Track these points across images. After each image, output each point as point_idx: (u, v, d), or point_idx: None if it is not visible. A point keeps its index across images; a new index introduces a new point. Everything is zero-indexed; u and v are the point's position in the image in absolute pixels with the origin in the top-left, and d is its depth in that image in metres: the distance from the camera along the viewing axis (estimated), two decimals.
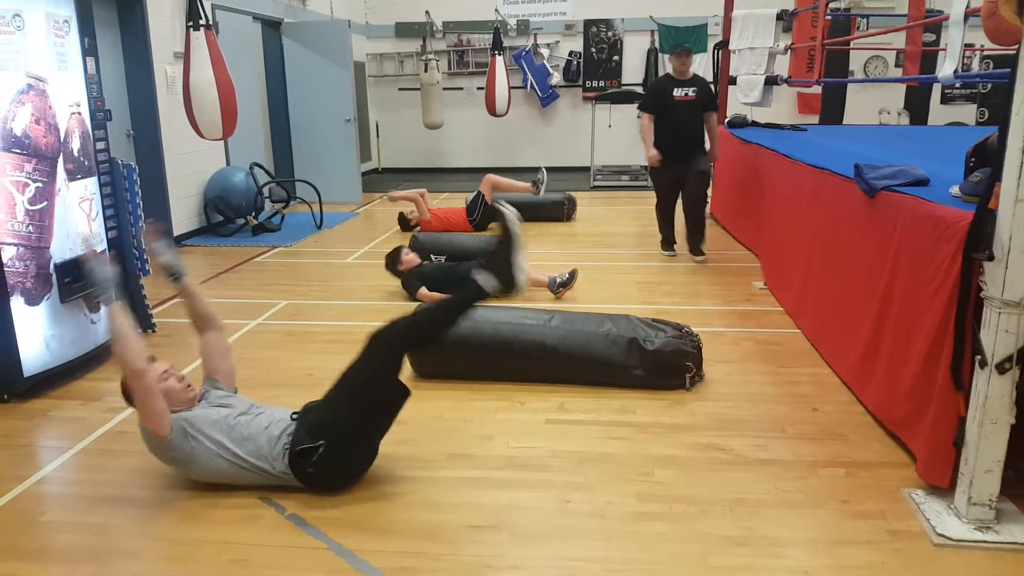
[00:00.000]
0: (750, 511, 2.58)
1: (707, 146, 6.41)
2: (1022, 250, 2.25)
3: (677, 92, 6.03)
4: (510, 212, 2.77)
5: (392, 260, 5.27)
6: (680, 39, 11.91)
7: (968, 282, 2.45)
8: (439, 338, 2.88)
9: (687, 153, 6.05)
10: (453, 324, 2.84)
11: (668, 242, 6.45)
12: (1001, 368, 2.32)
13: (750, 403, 3.45)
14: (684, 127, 6.06)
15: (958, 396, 2.50)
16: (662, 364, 3.55)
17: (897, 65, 11.34)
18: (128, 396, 2.69)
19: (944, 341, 2.59)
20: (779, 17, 7.49)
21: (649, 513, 2.58)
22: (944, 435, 2.56)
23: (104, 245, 4.08)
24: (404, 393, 2.73)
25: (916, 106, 10.62)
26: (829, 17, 7.26)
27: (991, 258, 2.32)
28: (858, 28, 10.21)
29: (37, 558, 2.40)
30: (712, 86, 6.27)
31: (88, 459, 3.06)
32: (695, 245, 6.21)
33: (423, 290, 5.03)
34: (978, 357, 2.37)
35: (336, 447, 2.62)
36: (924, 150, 5.29)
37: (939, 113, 11.43)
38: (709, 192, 6.38)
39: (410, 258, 5.28)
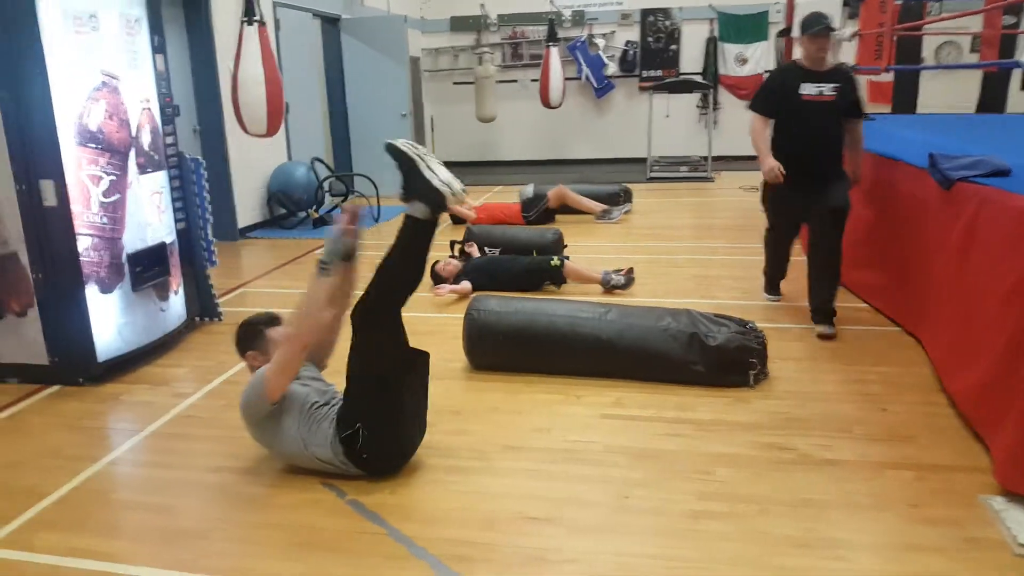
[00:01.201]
0: (813, 512, 2.51)
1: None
2: None
3: (808, 89, 4.19)
4: (397, 141, 2.60)
5: (432, 276, 5.23)
6: (741, 27, 11.68)
7: None
8: (412, 285, 2.66)
9: (818, 177, 4.20)
10: (419, 266, 2.67)
11: (773, 284, 4.87)
12: None
13: (816, 402, 3.35)
14: (816, 139, 4.21)
15: None
16: (725, 360, 3.48)
17: (972, 51, 10.88)
18: (246, 342, 2.76)
19: None
20: (845, 3, 7.25)
21: (709, 512, 2.54)
22: None
23: (174, 237, 4.20)
24: (421, 355, 2.71)
25: (993, 94, 10.18)
26: (899, 2, 7.00)
27: None
28: (929, 13, 9.84)
29: (108, 534, 2.51)
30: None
31: (157, 442, 3.18)
32: (820, 307, 4.22)
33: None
34: None
35: (373, 424, 2.61)
36: (1005, 140, 5.06)
37: (1019, 100, 10.93)
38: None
39: (450, 268, 5.27)
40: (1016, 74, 10.67)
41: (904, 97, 10.48)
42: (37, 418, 3.43)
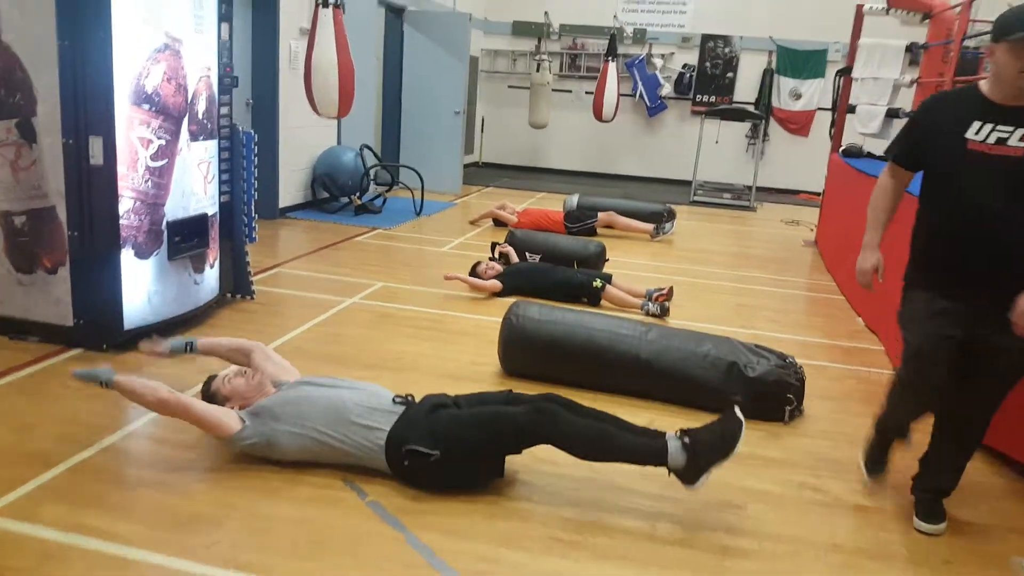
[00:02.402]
0: (845, 559, 2.43)
1: None
2: None
3: (982, 134, 2.44)
4: (740, 418, 2.53)
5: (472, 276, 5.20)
6: (799, 63, 11.60)
7: None
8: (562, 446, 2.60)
9: (996, 285, 2.45)
10: (611, 457, 2.61)
11: (880, 454, 2.94)
12: None
13: (850, 444, 3.24)
14: (992, 217, 2.44)
15: None
16: (762, 393, 3.39)
17: None
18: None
19: None
20: (908, 49, 7.16)
21: (739, 548, 2.45)
22: None
23: (216, 208, 4.18)
24: (516, 451, 2.69)
25: None
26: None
27: None
28: (985, 69, 9.67)
29: (118, 513, 2.42)
30: None
31: (176, 421, 3.05)
32: (936, 488, 2.75)
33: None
34: None
35: (449, 462, 2.57)
36: None
37: None
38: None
39: (492, 271, 5.20)
40: None
41: None
42: (55, 381, 3.35)
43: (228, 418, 2.65)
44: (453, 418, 2.66)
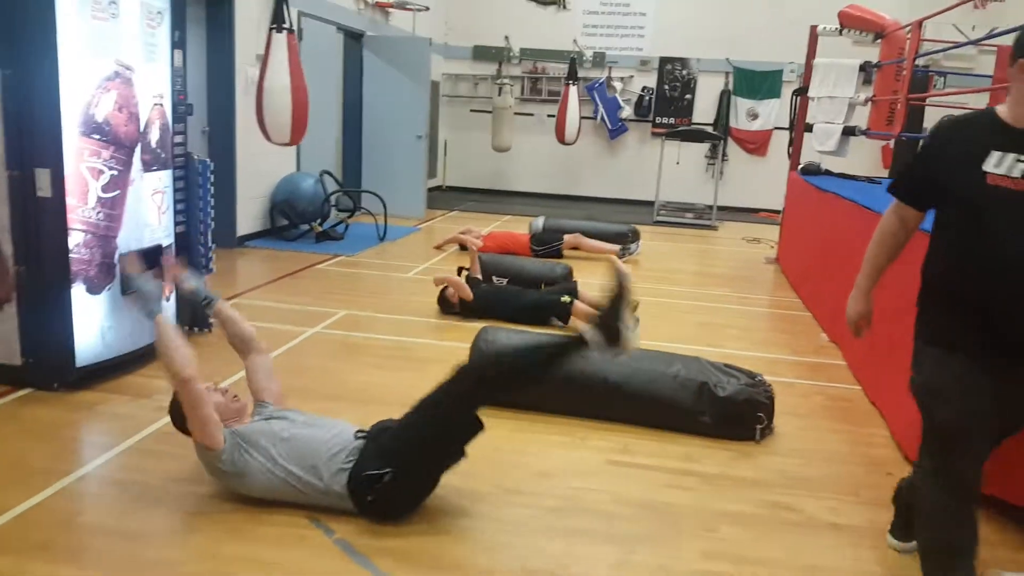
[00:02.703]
0: None
1: None
2: None
3: (1003, 166, 2.08)
4: (623, 269, 2.62)
5: (440, 302, 5.17)
6: (755, 84, 11.82)
7: None
8: (527, 387, 2.72)
9: None
10: (547, 374, 2.71)
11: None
12: None
13: (821, 461, 3.25)
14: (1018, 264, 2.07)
15: None
16: (732, 413, 3.36)
17: None
18: (179, 422, 2.62)
19: None
20: (861, 68, 7.31)
21: (714, 572, 2.41)
22: None
23: (171, 239, 4.07)
24: (478, 427, 2.61)
25: None
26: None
27: None
28: (935, 86, 9.96)
29: (72, 560, 2.31)
30: None
31: (132, 459, 2.97)
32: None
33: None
34: None
35: (404, 476, 2.50)
36: None
37: None
38: None
39: (458, 297, 5.15)
40: None
41: (904, 164, 10.52)
42: (1, 424, 3.19)
43: (220, 432, 2.53)
44: (392, 433, 2.60)
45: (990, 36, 5.25)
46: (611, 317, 2.51)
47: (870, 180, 7.15)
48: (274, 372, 2.94)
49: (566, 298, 5.02)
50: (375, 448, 2.54)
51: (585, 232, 7.78)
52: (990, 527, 2.70)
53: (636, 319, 2.57)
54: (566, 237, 7.42)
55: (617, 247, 7.56)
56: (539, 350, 2.75)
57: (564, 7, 12.10)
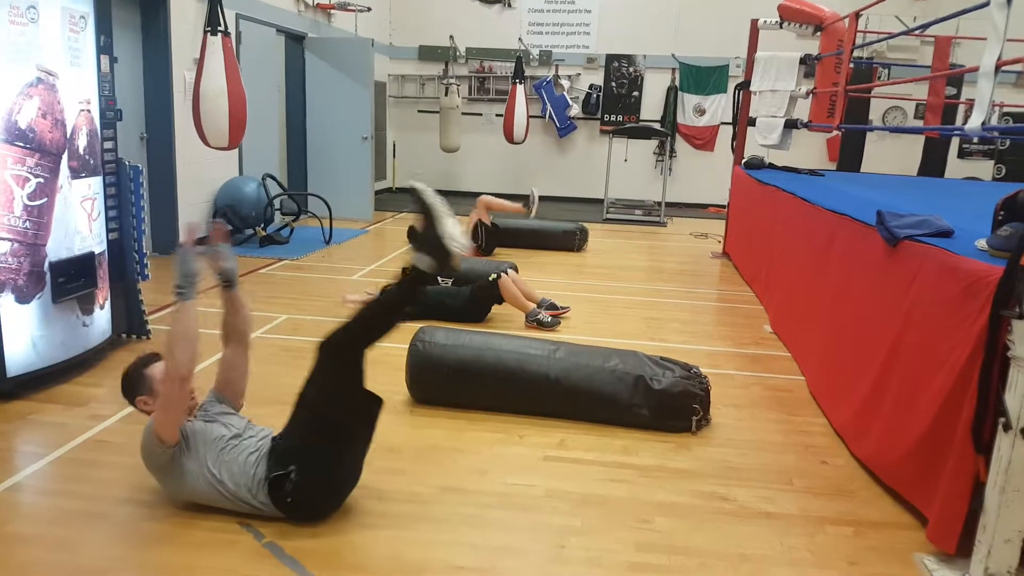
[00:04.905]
0: (753, 568, 2.45)
1: None
2: None
3: None
4: (421, 185, 2.62)
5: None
6: (702, 79, 11.97)
7: (994, 340, 2.31)
8: (389, 330, 2.64)
9: None
10: (403, 316, 2.65)
11: None
12: None
13: (757, 451, 3.31)
14: None
15: (978, 459, 2.36)
16: (668, 405, 3.42)
17: (916, 117, 11.30)
18: (131, 390, 2.57)
19: (961, 399, 2.44)
20: (802, 61, 7.44)
21: (647, 564, 2.44)
22: (957, 498, 2.42)
23: (104, 247, 3.99)
24: (375, 401, 2.59)
25: (933, 159, 10.56)
26: (852, 65, 7.25)
27: (1022, 316, 2.20)
28: (879, 77, 10.19)
29: None
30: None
31: (64, 468, 2.93)
32: None
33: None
34: (1002, 420, 2.24)
35: (309, 470, 2.48)
36: (942, 202, 5.17)
37: (956, 167, 11.37)
38: None
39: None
40: (955, 142, 11.12)
41: (850, 156, 10.80)
42: None
43: (178, 430, 2.49)
44: (285, 430, 2.59)
45: (924, 26, 5.38)
46: (430, 235, 2.52)
47: (813, 173, 7.30)
48: (247, 373, 2.89)
49: (493, 276, 5.05)
50: (281, 449, 2.53)
51: (534, 231, 7.83)
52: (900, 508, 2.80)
53: (457, 224, 2.57)
54: (475, 213, 7.33)
55: (520, 204, 7.62)
56: (381, 299, 2.74)
57: (509, 5, 12.12)
